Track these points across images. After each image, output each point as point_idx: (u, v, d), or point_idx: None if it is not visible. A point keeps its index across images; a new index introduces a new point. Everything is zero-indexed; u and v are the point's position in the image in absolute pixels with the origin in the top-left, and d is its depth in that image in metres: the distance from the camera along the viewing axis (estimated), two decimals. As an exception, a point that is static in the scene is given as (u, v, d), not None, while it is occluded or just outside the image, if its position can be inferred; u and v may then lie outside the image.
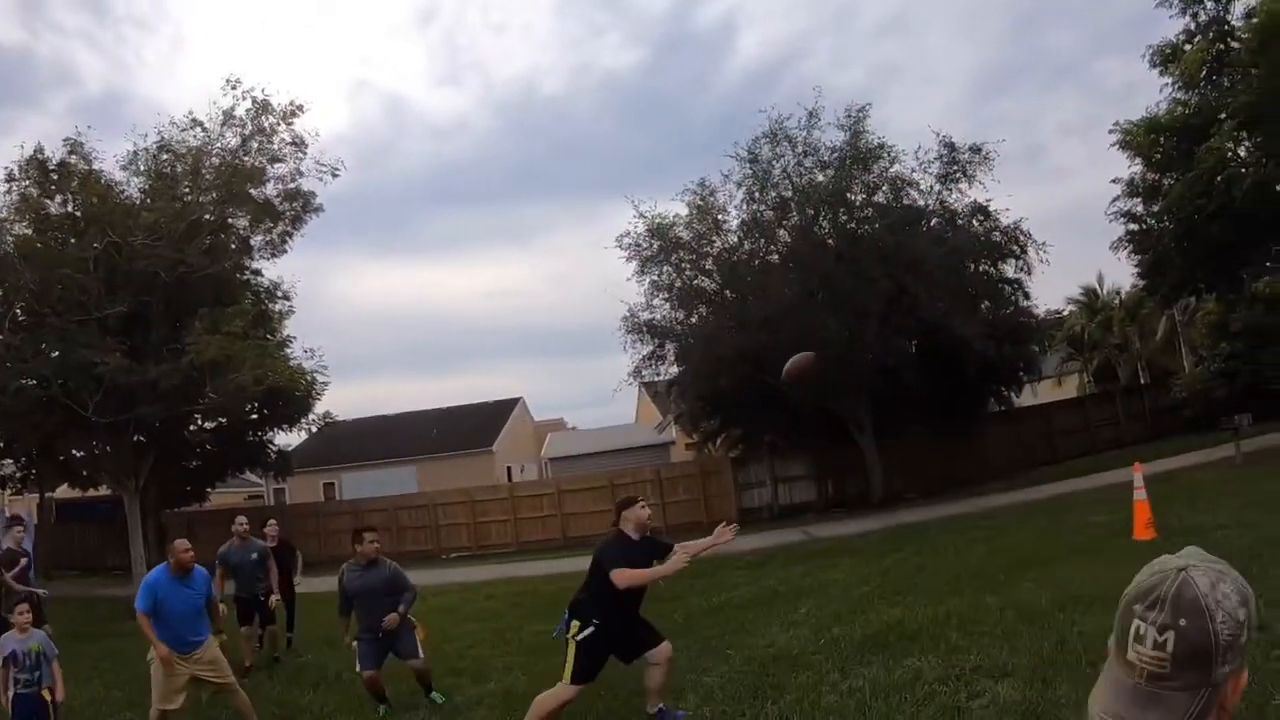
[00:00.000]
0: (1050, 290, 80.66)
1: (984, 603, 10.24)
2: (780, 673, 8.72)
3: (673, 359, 28.78)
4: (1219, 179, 22.12)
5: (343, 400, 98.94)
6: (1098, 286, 51.28)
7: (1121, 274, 55.49)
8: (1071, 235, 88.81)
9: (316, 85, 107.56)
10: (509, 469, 51.31)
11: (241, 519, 13.38)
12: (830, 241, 25.82)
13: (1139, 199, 25.86)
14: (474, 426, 52.91)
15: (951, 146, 26.81)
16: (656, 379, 30.33)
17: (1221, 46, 23.03)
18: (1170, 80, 24.56)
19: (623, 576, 6.93)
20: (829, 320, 24.41)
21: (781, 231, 26.99)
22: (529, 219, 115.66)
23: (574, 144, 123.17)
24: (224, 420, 28.48)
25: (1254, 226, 22.75)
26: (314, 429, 33.25)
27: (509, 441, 53.16)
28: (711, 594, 15.23)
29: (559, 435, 58.44)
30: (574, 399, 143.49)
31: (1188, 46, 23.72)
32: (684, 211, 27.65)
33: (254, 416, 29.96)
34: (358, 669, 8.91)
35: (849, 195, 26.20)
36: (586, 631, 7.13)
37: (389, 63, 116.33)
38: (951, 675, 7.58)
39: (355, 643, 8.97)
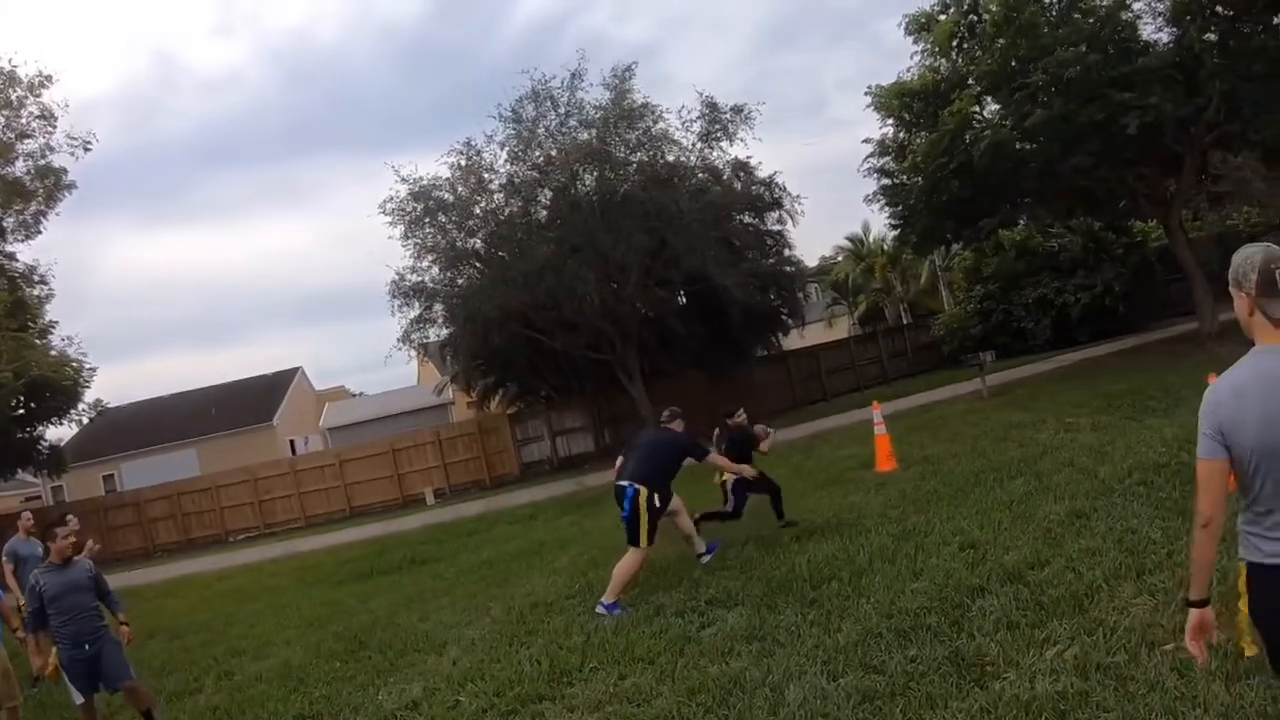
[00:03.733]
0: (829, 237, 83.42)
1: (729, 537, 10.77)
2: (536, 619, 9.15)
3: (442, 320, 28.66)
4: (966, 137, 23.67)
5: (117, 384, 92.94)
6: (863, 234, 53.79)
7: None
8: (851, 184, 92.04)
9: (76, 40, 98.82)
10: (292, 442, 50.39)
11: (27, 513, 12.73)
12: (594, 199, 26.00)
13: (889, 157, 27.09)
14: (253, 401, 51.66)
15: (714, 106, 27.41)
16: (426, 341, 30.16)
17: (974, 18, 24.19)
18: (922, 48, 25.73)
19: (719, 461, 10.02)
20: (587, 275, 24.82)
21: (544, 191, 27.08)
22: (307, 178, 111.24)
23: (354, 98, 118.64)
24: (-13, 420, 26.85)
25: (990, 183, 24.26)
26: (86, 419, 32.04)
27: (290, 414, 52.17)
28: (482, 549, 15.82)
29: (337, 404, 57.28)
30: (359, 363, 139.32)
31: (942, 17, 24.81)
32: (448, 173, 27.37)
33: (20, 412, 28.39)
34: (75, 701, 7.69)
35: (612, 153, 26.47)
36: (655, 496, 8.95)
37: (156, 12, 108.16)
38: (689, 608, 8.09)
39: (62, 670, 7.61)
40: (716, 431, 11.48)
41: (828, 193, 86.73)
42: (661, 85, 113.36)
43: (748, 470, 10.30)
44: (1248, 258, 3.06)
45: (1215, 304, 22.60)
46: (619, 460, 9.77)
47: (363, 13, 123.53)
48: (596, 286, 25.09)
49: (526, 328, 27.18)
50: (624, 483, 9.10)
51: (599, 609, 8.74)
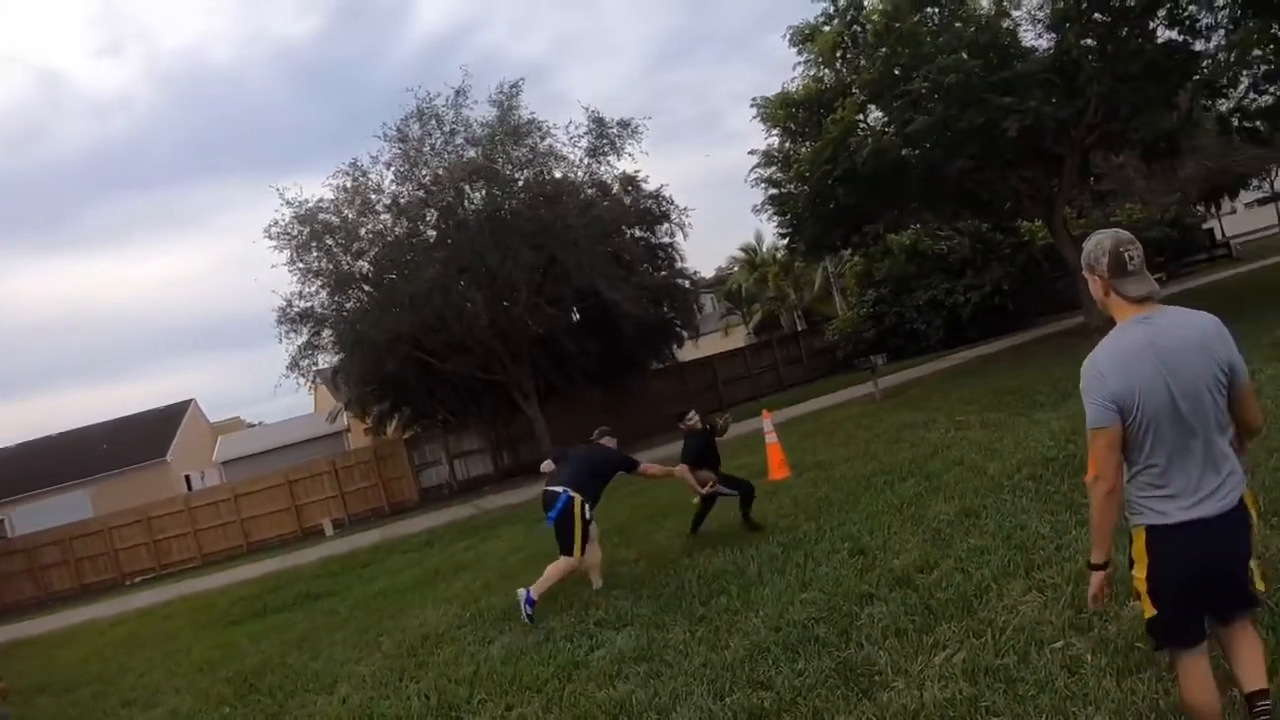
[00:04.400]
0: (727, 248, 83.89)
1: (621, 555, 10.67)
2: (426, 651, 8.89)
3: (330, 346, 28.08)
4: (849, 144, 23.87)
5: (4, 424, 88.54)
6: (756, 244, 54.21)
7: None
8: (748, 195, 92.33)
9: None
10: (188, 477, 48.95)
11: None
12: (483, 216, 25.78)
13: (775, 167, 27.20)
14: (145, 437, 49.82)
15: (600, 121, 27.49)
16: (315, 368, 29.30)
17: (857, 28, 24.43)
18: (806, 58, 25.84)
19: (651, 469, 10.01)
20: (475, 295, 24.66)
21: (431, 211, 26.72)
22: (200, 202, 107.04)
23: (250, 119, 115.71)
24: None
25: (875, 189, 24.55)
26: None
27: (184, 448, 50.49)
28: (377, 580, 15.49)
29: (231, 437, 55.53)
30: (257, 393, 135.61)
31: (826, 28, 25.04)
32: (333, 195, 26.81)
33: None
34: None
35: (498, 170, 26.23)
36: (588, 507, 9.00)
37: (41, 31, 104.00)
38: (579, 630, 7.87)
39: None
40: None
41: (726, 204, 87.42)
42: (558, 102, 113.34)
43: (687, 477, 10.19)
44: (1098, 243, 3.41)
45: (1099, 298, 23.06)
46: (546, 465, 9.85)
47: (257, 32, 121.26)
48: (486, 306, 24.89)
49: (417, 350, 26.80)
50: (558, 488, 9.09)
51: (520, 591, 8.91)
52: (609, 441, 9.95)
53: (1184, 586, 3.34)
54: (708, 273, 51.51)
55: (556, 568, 8.96)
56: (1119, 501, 3.39)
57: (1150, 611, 3.46)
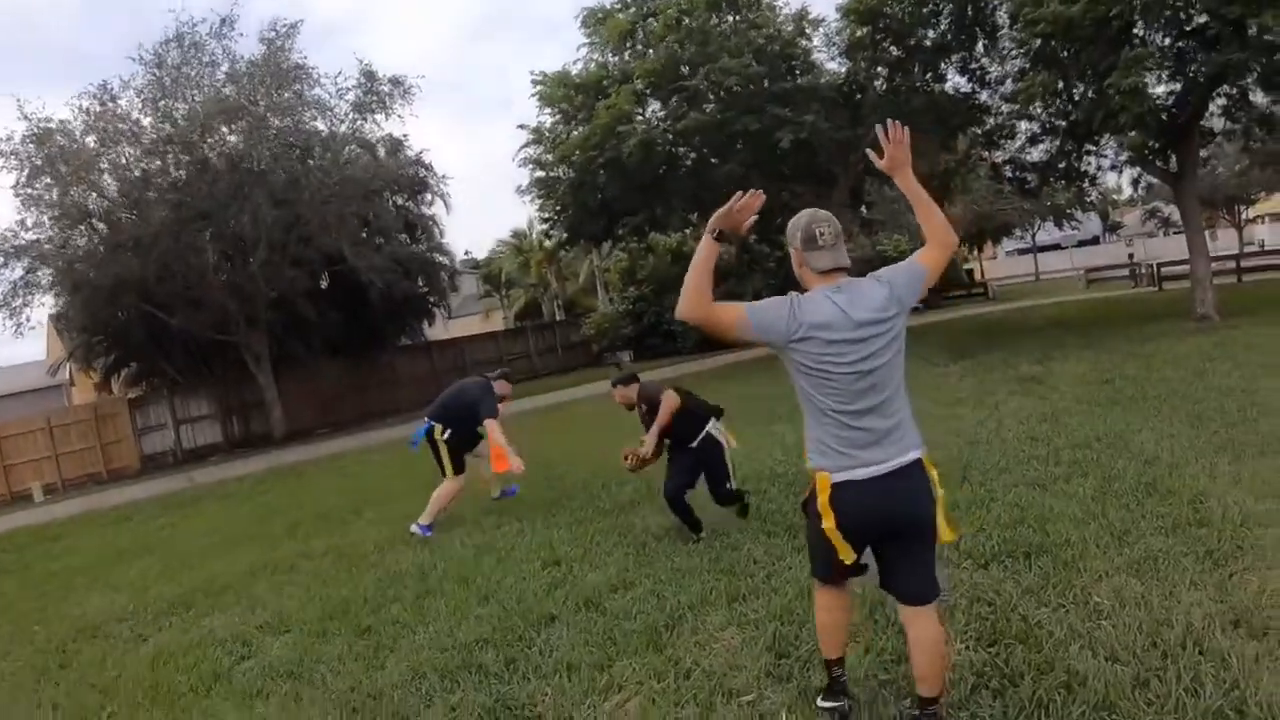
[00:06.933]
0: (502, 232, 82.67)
1: (311, 547, 9.72)
2: (76, 648, 7.73)
3: (49, 287, 25.43)
4: (619, 132, 23.48)
5: None
6: (527, 230, 53.51)
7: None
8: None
9: None
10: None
11: None
12: (231, 161, 24.13)
13: (544, 147, 26.69)
14: None
15: (371, 76, 26.32)
16: (28, 310, 25.61)
17: (652, 20, 24.35)
18: (594, 41, 25.65)
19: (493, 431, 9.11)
20: (206, 245, 22.99)
21: (174, 149, 24.56)
22: None
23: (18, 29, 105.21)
24: None
25: (640, 182, 24.52)
26: None
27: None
28: (60, 558, 13.77)
29: (-62, 383, 50.55)
30: None
31: (620, 14, 24.92)
32: (72, 117, 24.32)
33: None
34: None
35: (251, 112, 24.46)
36: (449, 432, 9.21)
37: None
38: (237, 634, 6.96)
39: None
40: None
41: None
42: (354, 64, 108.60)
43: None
44: (795, 220, 3.72)
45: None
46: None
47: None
48: (220, 260, 23.06)
49: (145, 302, 24.74)
50: (425, 419, 9.43)
51: (413, 528, 9.23)
52: (500, 385, 9.64)
53: (861, 536, 3.60)
54: (486, 255, 50.84)
55: (442, 491, 9.29)
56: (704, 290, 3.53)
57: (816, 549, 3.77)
